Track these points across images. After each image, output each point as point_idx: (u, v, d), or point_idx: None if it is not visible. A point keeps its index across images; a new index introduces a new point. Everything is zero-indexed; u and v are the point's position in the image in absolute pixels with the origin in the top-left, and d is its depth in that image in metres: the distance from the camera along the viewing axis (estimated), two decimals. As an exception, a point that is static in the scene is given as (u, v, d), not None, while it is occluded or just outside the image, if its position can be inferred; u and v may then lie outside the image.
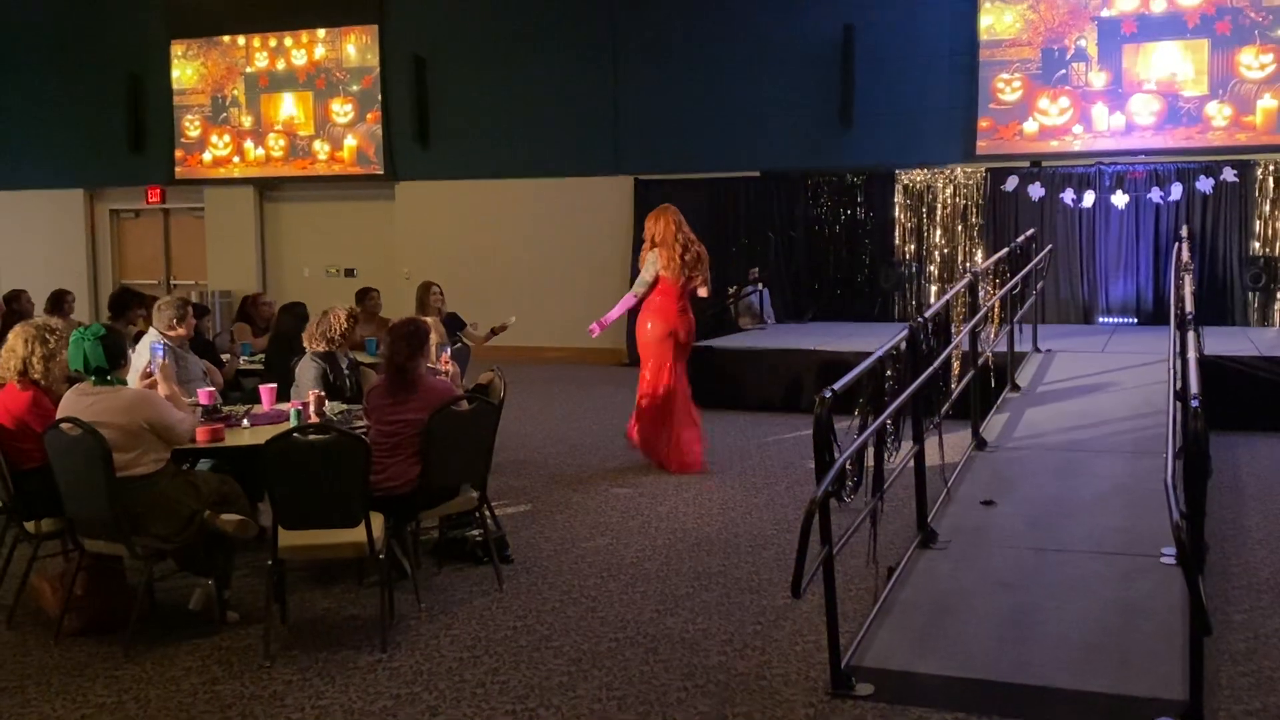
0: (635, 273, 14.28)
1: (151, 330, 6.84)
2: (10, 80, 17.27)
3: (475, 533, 5.94)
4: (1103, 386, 8.96)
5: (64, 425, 4.88)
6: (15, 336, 5.40)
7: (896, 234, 13.57)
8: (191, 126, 16.56)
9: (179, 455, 5.28)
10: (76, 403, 4.98)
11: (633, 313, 8.78)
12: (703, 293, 8.42)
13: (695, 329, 8.46)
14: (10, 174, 17.45)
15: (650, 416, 8.26)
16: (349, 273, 15.97)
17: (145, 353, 6.43)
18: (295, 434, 4.91)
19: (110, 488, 4.76)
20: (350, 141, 15.84)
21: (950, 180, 13.33)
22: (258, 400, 6.45)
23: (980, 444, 7.48)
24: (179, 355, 6.63)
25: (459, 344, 9.28)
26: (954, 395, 7.05)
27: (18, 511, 5.24)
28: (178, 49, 16.52)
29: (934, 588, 5.13)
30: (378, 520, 4.98)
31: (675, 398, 8.18)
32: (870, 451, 4.90)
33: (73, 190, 17.34)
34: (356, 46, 15.71)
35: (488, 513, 5.87)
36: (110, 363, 5.08)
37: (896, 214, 13.55)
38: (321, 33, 15.87)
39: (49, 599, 5.15)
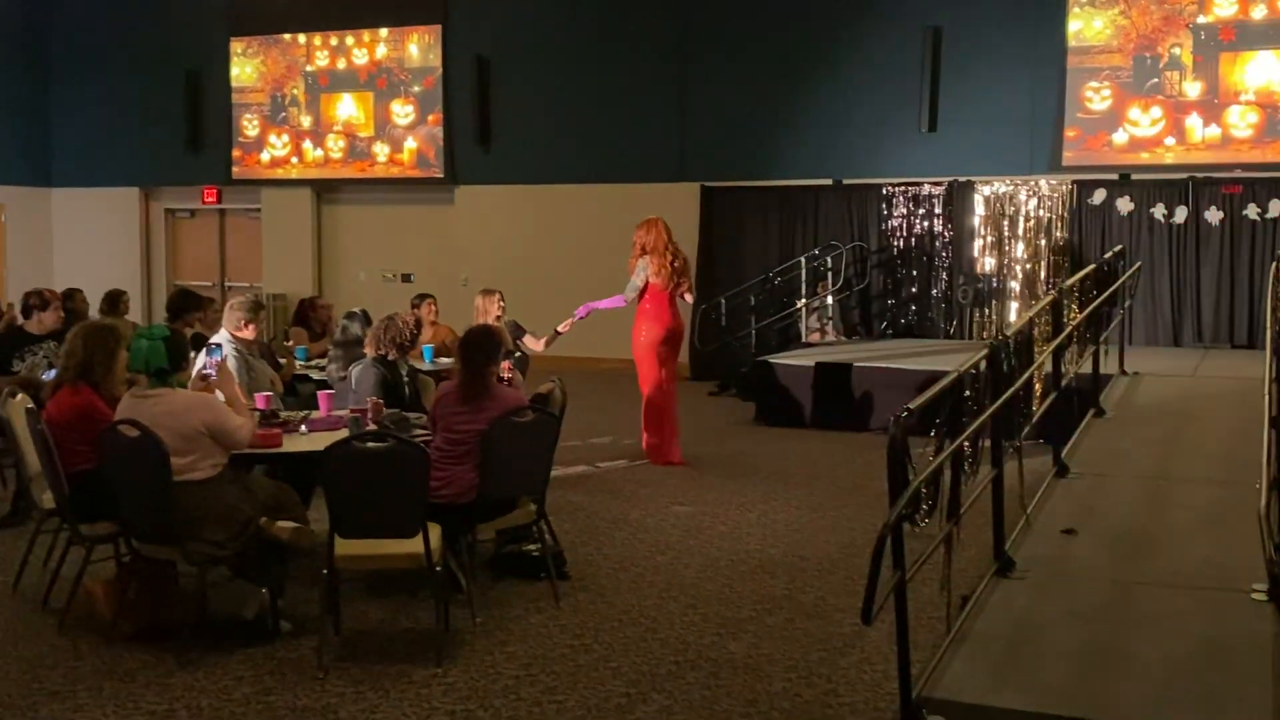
0: (703, 282, 14.38)
1: (221, 330, 6.99)
2: (68, 77, 17.73)
3: (532, 547, 6.00)
4: (1192, 412, 8.83)
5: (121, 427, 5.02)
6: (76, 337, 5.56)
7: (976, 247, 13.47)
8: (250, 126, 16.88)
9: (235, 460, 5.39)
10: (135, 405, 5.12)
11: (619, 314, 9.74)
12: (688, 298, 9.41)
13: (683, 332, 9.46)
14: (66, 172, 17.91)
15: (654, 418, 9.15)
16: (406, 278, 16.17)
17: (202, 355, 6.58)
18: (354, 441, 5.01)
19: (166, 492, 4.88)
20: (410, 144, 16.06)
21: (1034, 192, 13.21)
22: (314, 406, 6.58)
23: (1062, 470, 7.41)
24: (249, 360, 6.77)
25: (519, 352, 9.38)
26: (1035, 418, 6.99)
27: (71, 514, 5.40)
28: (237, 46, 16.87)
29: (1010, 618, 5.09)
30: (435, 532, 5.06)
31: (671, 397, 9.18)
32: (946, 475, 4.88)
33: (128, 189, 17.72)
34: (419, 46, 15.93)
35: (545, 527, 5.93)
36: (171, 364, 5.21)
37: (976, 226, 13.46)
38: (384, 32, 16.13)
39: (101, 603, 5.28)
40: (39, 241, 17.85)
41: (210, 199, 17.48)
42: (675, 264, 9.04)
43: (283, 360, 8.60)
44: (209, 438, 5.08)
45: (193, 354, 6.23)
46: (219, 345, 6.47)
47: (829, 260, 13.85)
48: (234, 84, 16.92)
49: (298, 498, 5.40)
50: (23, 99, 17.52)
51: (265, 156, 16.85)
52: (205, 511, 4.99)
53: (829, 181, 14.08)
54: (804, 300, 13.68)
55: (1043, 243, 13.23)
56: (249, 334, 6.85)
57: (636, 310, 9.17)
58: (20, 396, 5.82)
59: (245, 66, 16.89)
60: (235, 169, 17.01)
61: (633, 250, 9.22)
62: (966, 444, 5.11)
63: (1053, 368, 7.32)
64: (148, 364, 5.16)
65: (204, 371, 5.59)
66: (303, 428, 5.96)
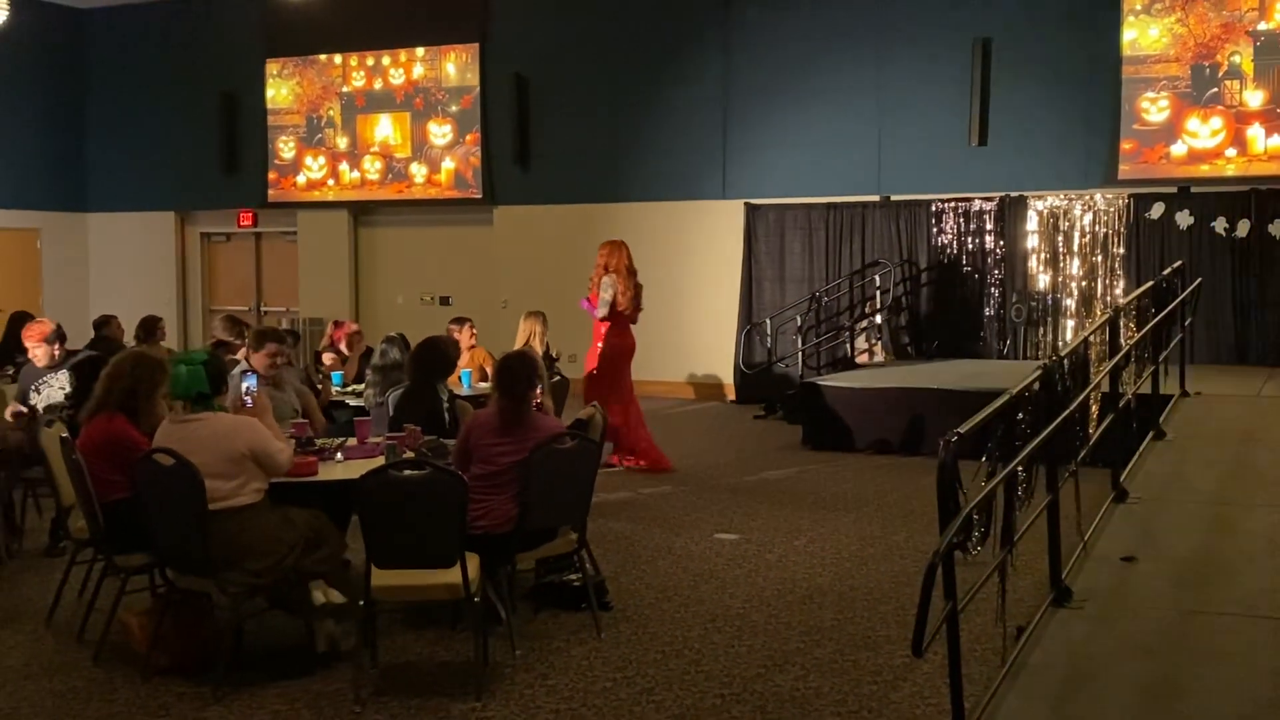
0: (747, 301, 14.39)
1: (242, 360, 7.07)
2: (102, 100, 18.04)
3: (574, 577, 6.00)
4: (1257, 434, 8.70)
5: (156, 456, 5.08)
6: (123, 364, 5.65)
7: (1030, 264, 13.38)
8: (286, 148, 17.09)
9: (271, 490, 5.43)
10: (176, 430, 5.19)
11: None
12: (634, 320, 10.15)
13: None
14: (102, 196, 18.19)
15: (640, 430, 9.92)
16: (444, 300, 16.28)
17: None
18: (390, 469, 5.04)
19: (202, 521, 4.93)
20: (448, 164, 16.19)
21: (1089, 206, 13.11)
22: (350, 433, 6.62)
23: (1120, 495, 7.32)
24: (269, 389, 6.82)
25: (557, 377, 9.42)
26: (1092, 441, 6.92)
27: (105, 544, 5.46)
28: (273, 68, 17.09)
29: (1068, 651, 5.03)
30: (473, 562, 5.07)
31: (634, 406, 9.96)
32: (999, 500, 4.84)
33: (164, 213, 17.97)
34: (456, 66, 16.07)
35: (586, 556, 5.93)
36: (212, 388, 5.29)
37: (1030, 242, 13.37)
38: (420, 51, 16.29)
39: (136, 636, 5.33)
40: (75, 266, 18.14)
41: (246, 222, 17.68)
42: (636, 284, 9.95)
43: (319, 386, 8.66)
44: (252, 462, 5.15)
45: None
46: (255, 372, 6.53)
47: (877, 279, 13.81)
48: (270, 106, 17.13)
49: (335, 528, 5.44)
50: (58, 123, 17.84)
51: (301, 179, 17.04)
52: (247, 540, 5.04)
53: (876, 197, 14.05)
54: (852, 320, 13.63)
55: (1099, 259, 13.13)
56: (258, 362, 6.89)
57: (598, 329, 9.94)
58: (56, 425, 5.90)
59: (281, 88, 17.11)
60: (271, 192, 17.22)
61: (595, 269, 10.01)
62: (1020, 468, 5.06)
63: (1110, 388, 7.25)
64: (188, 390, 5.22)
65: (244, 397, 5.65)
66: (338, 455, 6.00)
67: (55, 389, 7.92)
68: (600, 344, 9.89)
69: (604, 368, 9.79)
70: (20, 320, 9.43)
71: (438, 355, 6.92)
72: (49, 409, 7.53)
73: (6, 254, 17.07)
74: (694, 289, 14.87)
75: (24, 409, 7.61)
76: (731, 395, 14.60)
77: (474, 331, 10.16)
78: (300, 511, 5.38)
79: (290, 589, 5.20)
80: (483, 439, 5.59)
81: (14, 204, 17.05)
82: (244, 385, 5.85)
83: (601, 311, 9.80)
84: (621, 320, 9.92)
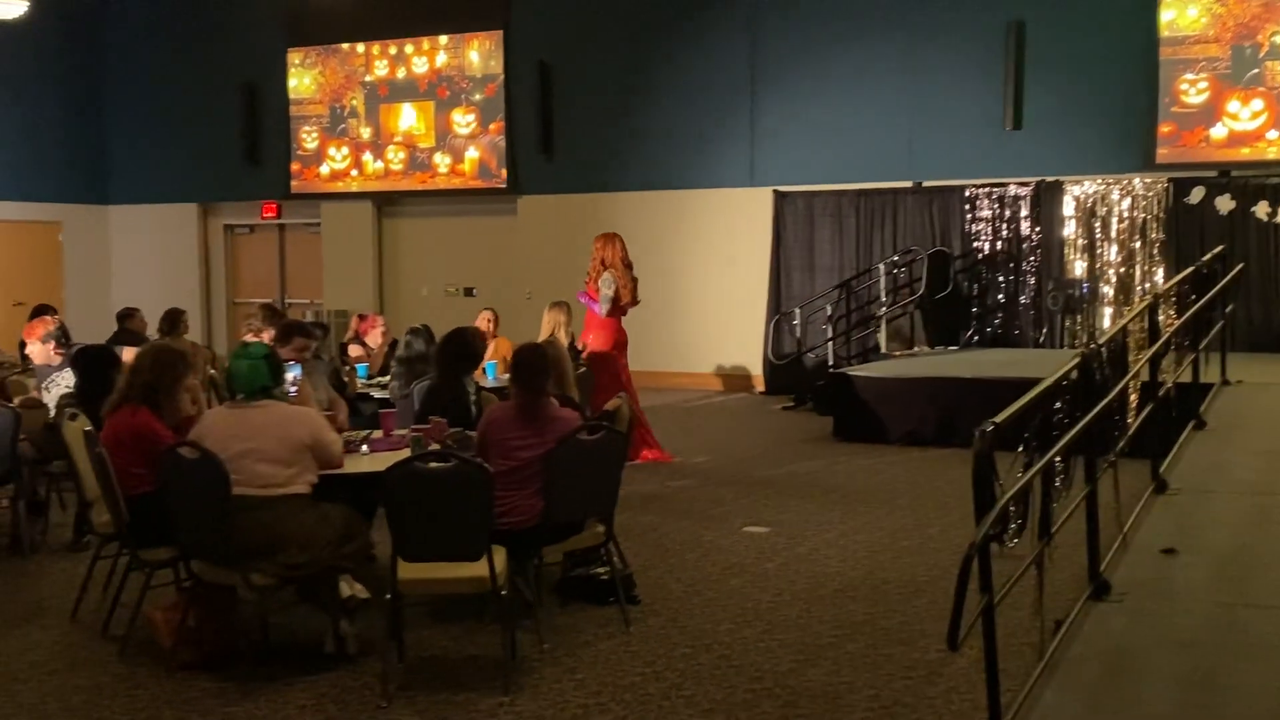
0: (775, 290, 14.36)
1: None
2: (123, 91, 18.15)
3: (601, 570, 6.01)
4: (1302, 423, 8.63)
5: (181, 449, 5.13)
6: (144, 357, 5.69)
7: (1066, 251, 13.30)
8: (308, 138, 17.16)
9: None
10: (232, 416, 5.25)
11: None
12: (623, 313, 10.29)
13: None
14: (123, 188, 18.32)
15: (643, 423, 9.91)
16: (468, 292, 16.32)
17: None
18: (416, 462, 5.05)
19: (225, 509, 4.96)
20: (472, 153, 16.22)
21: (1127, 191, 13.01)
22: (375, 425, 6.65)
23: (1160, 486, 7.27)
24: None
25: (582, 369, 9.43)
26: (1131, 431, 6.88)
27: (130, 539, 5.50)
28: (295, 57, 17.16)
29: (1107, 645, 5.00)
30: (500, 555, 5.09)
31: (635, 399, 9.66)
32: (1036, 492, 4.82)
33: (186, 205, 18.08)
34: (480, 53, 16.09)
35: (614, 549, 5.94)
36: (274, 381, 5.37)
37: (1066, 229, 13.28)
38: (444, 39, 16.32)
39: (161, 631, 5.37)
40: (97, 260, 18.28)
41: (269, 214, 17.76)
42: (633, 280, 10.10)
43: (345, 379, 8.70)
44: (310, 452, 5.22)
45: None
46: (297, 362, 6.59)
47: (909, 267, 13.75)
48: (292, 96, 17.20)
49: (363, 522, 5.48)
50: (78, 114, 17.97)
51: (325, 170, 17.11)
52: (286, 531, 5.08)
53: (908, 183, 13.99)
54: (884, 309, 13.59)
55: (1137, 245, 13.03)
56: (285, 356, 6.93)
57: (593, 321, 10.02)
58: (80, 419, 5.95)
59: (303, 77, 17.17)
60: (294, 183, 17.29)
61: (591, 263, 10.13)
62: (1058, 459, 5.03)
63: (1149, 377, 7.20)
64: (251, 385, 5.27)
65: (288, 387, 5.71)
66: (364, 448, 6.03)
67: (63, 387, 7.99)
68: (593, 336, 9.96)
69: (604, 363, 9.76)
70: (43, 314, 9.51)
71: (465, 347, 6.93)
72: (64, 399, 7.60)
73: (28, 247, 17.22)
74: (721, 278, 14.85)
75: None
76: (760, 387, 14.58)
77: (491, 318, 10.17)
78: (333, 507, 5.42)
79: (320, 584, 5.23)
80: (501, 434, 5.57)
81: (35, 197, 17.20)
82: (289, 375, 5.91)
83: (605, 309, 9.91)
84: (617, 311, 10.07)
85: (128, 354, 7.43)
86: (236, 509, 5.01)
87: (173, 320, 10.30)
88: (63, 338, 8.14)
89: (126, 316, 11.00)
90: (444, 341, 6.99)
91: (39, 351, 8.09)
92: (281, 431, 5.17)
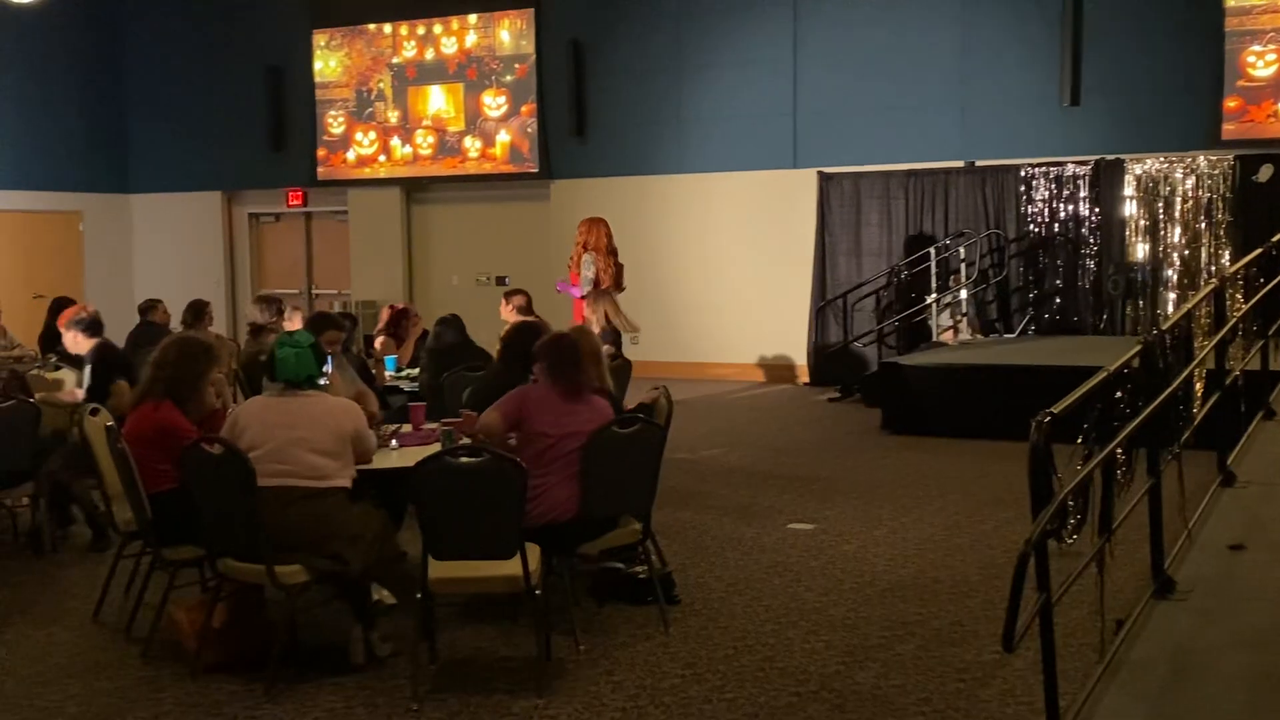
0: (820, 277, 14.33)
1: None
2: (143, 77, 18.30)
3: (639, 569, 6.01)
4: (1379, 412, 8.50)
5: (204, 445, 5.16)
6: (169, 350, 5.73)
7: (1127, 233, 13.18)
8: (335, 123, 17.23)
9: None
10: (276, 405, 5.30)
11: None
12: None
13: None
14: (145, 177, 18.48)
15: None
16: (500, 280, 16.35)
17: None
18: (446, 456, 5.07)
19: (253, 511, 4.99)
20: (503, 137, 16.25)
21: (1191, 170, 12.87)
22: (404, 419, 6.68)
23: (1228, 479, 7.19)
24: None
25: (619, 359, 9.42)
26: (1196, 421, 6.81)
27: (154, 537, 5.55)
28: (320, 39, 17.24)
29: (1171, 645, 4.96)
30: (534, 553, 5.09)
31: None
32: (1096, 486, 4.77)
33: (210, 193, 18.21)
34: (510, 33, 16.11)
35: (652, 547, 5.94)
36: (319, 371, 5.44)
37: (1127, 209, 13.15)
38: (473, 19, 16.34)
39: (186, 631, 5.42)
40: (119, 250, 18.46)
41: (295, 202, 17.87)
42: (618, 265, 10.65)
43: (372, 371, 8.74)
44: (351, 444, 5.29)
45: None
46: (330, 353, 6.63)
47: (962, 250, 13.65)
48: (317, 79, 17.28)
49: (392, 527, 5.54)
50: (97, 101, 18.13)
51: (351, 155, 17.18)
52: (339, 524, 5.13)
53: (960, 163, 13.89)
54: (935, 295, 13.51)
55: (1202, 225, 12.90)
56: None
57: (578, 306, 10.61)
58: (101, 414, 6.00)
59: (329, 60, 17.25)
60: (320, 169, 17.38)
61: (574, 248, 10.71)
62: (1119, 451, 4.99)
63: (1215, 365, 7.13)
64: (298, 374, 5.32)
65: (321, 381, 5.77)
66: (393, 442, 6.05)
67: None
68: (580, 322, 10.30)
69: None
70: (63, 307, 9.61)
71: (532, 343, 6.94)
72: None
73: (47, 238, 17.41)
74: (763, 265, 14.81)
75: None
76: (805, 378, 14.54)
77: (515, 305, 10.18)
78: (370, 505, 5.46)
79: (356, 586, 5.25)
80: (541, 417, 5.56)
81: (54, 186, 17.36)
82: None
83: (585, 289, 10.44)
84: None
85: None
86: (284, 501, 5.05)
87: (196, 312, 10.38)
88: (91, 326, 8.17)
89: (148, 308, 11.09)
90: (511, 335, 6.93)
91: (71, 340, 8.20)
92: (333, 422, 5.25)
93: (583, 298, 10.61)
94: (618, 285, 10.67)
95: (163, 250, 18.40)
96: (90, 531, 7.39)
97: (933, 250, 13.75)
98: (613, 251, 10.69)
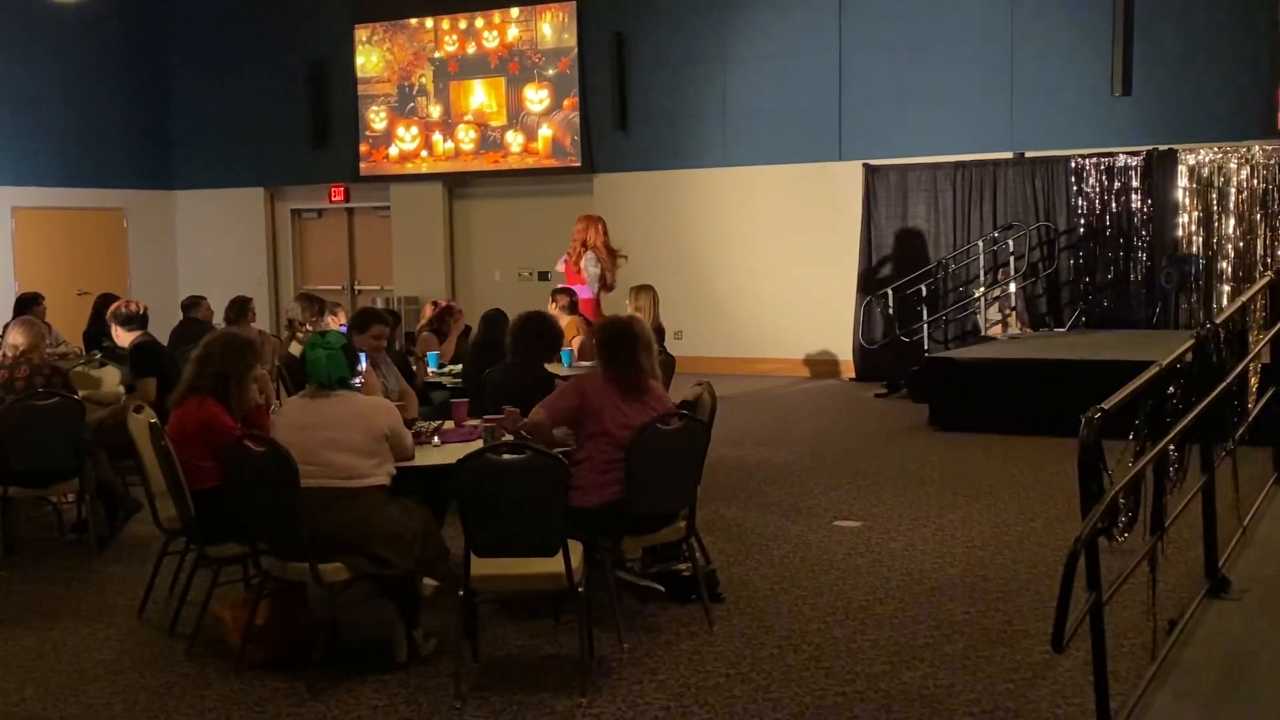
0: (866, 271, 14.27)
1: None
2: (186, 73, 18.47)
3: (683, 567, 6.01)
4: None
5: (247, 442, 5.21)
6: (213, 346, 5.79)
7: (1180, 224, 13.04)
8: (377, 118, 17.33)
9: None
10: (310, 407, 5.35)
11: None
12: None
13: None
14: (189, 173, 18.67)
15: None
16: (543, 276, 16.39)
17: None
18: (488, 453, 5.09)
19: (296, 508, 5.03)
20: (545, 131, 16.28)
21: (1247, 160, 12.71)
22: (447, 415, 6.71)
23: (1284, 475, 7.12)
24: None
25: (663, 354, 9.42)
26: (1251, 417, 6.73)
27: (197, 534, 5.61)
28: (362, 34, 17.33)
29: (1226, 645, 4.91)
30: (576, 551, 5.10)
31: None
32: (1148, 483, 4.73)
33: (253, 189, 18.38)
34: (553, 26, 16.13)
35: (696, 544, 5.93)
36: (351, 372, 5.49)
37: (1181, 201, 13.01)
38: (515, 12, 16.37)
39: (230, 629, 5.47)
40: (162, 247, 18.67)
41: (338, 197, 18.00)
42: (616, 262, 11.02)
43: (414, 368, 8.78)
44: (388, 443, 5.32)
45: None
46: (364, 351, 6.68)
47: (1010, 243, 13.57)
48: (359, 74, 17.38)
49: (437, 525, 5.58)
50: (140, 98, 18.32)
51: (394, 151, 17.28)
52: (378, 523, 5.16)
53: (1009, 154, 13.79)
54: (983, 289, 13.42)
55: (1258, 217, 12.75)
56: (363, 344, 7.02)
57: (585, 305, 10.66)
58: (145, 411, 6.07)
59: (371, 55, 17.34)
60: (363, 165, 17.49)
61: (572, 245, 10.97)
62: (1171, 447, 4.94)
63: (1271, 359, 7.05)
64: (329, 375, 5.37)
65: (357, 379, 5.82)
66: (435, 439, 6.08)
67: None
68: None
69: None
70: (107, 303, 9.72)
71: (543, 331, 6.96)
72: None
73: (91, 234, 17.62)
74: (808, 259, 14.77)
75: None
76: (850, 373, 14.49)
77: (560, 305, 10.23)
78: (411, 501, 5.49)
79: (399, 583, 5.29)
80: (603, 413, 5.57)
81: (98, 183, 17.58)
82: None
83: (594, 288, 10.63)
84: (604, 292, 10.96)
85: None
86: (320, 503, 5.09)
87: (239, 308, 10.46)
88: (127, 320, 8.25)
89: (192, 305, 11.19)
90: (518, 325, 7.01)
91: (115, 335, 8.31)
92: (365, 422, 5.27)
93: (594, 297, 10.84)
94: (614, 278, 11.00)
95: (206, 247, 18.58)
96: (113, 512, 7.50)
97: (981, 243, 13.67)
98: (611, 251, 10.93)
